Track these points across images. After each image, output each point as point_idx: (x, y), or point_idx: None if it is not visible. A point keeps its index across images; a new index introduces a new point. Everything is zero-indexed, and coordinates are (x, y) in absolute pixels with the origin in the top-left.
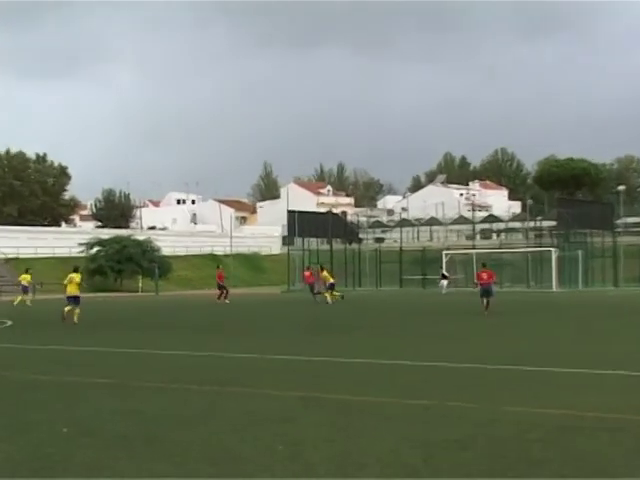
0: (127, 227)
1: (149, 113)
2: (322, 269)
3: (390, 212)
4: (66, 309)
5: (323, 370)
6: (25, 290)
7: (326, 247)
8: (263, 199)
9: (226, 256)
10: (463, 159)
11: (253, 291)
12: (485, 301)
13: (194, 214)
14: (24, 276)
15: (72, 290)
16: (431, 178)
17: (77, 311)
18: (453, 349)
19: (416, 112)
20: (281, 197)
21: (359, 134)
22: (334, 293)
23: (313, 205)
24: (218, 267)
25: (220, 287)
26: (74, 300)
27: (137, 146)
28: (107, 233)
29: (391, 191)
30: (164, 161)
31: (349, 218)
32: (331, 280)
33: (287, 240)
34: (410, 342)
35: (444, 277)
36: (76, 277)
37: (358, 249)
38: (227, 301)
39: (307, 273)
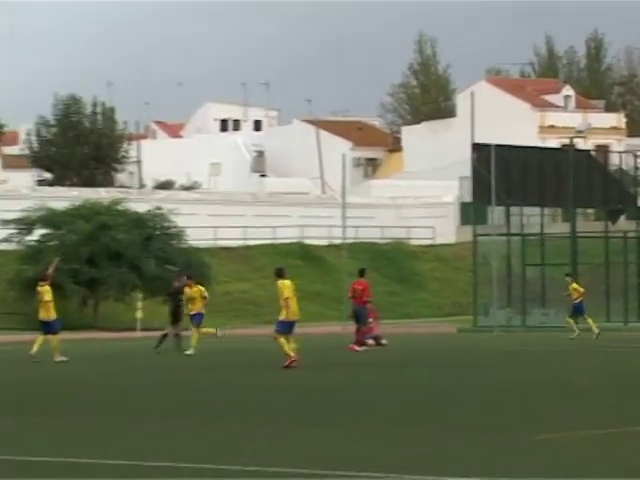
0: (109, 184)
1: None
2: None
3: None
4: None
5: None
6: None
7: (561, 229)
8: (415, 119)
9: (331, 248)
10: None
11: (399, 329)
12: None
13: (259, 153)
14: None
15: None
16: None
17: None
18: None
19: None
20: (457, 114)
21: None
22: None
23: (531, 132)
24: (362, 273)
25: (358, 322)
26: None
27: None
28: (63, 197)
29: None
30: (185, 37)
31: (616, 161)
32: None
33: (472, 213)
34: None
35: None
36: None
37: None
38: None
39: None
